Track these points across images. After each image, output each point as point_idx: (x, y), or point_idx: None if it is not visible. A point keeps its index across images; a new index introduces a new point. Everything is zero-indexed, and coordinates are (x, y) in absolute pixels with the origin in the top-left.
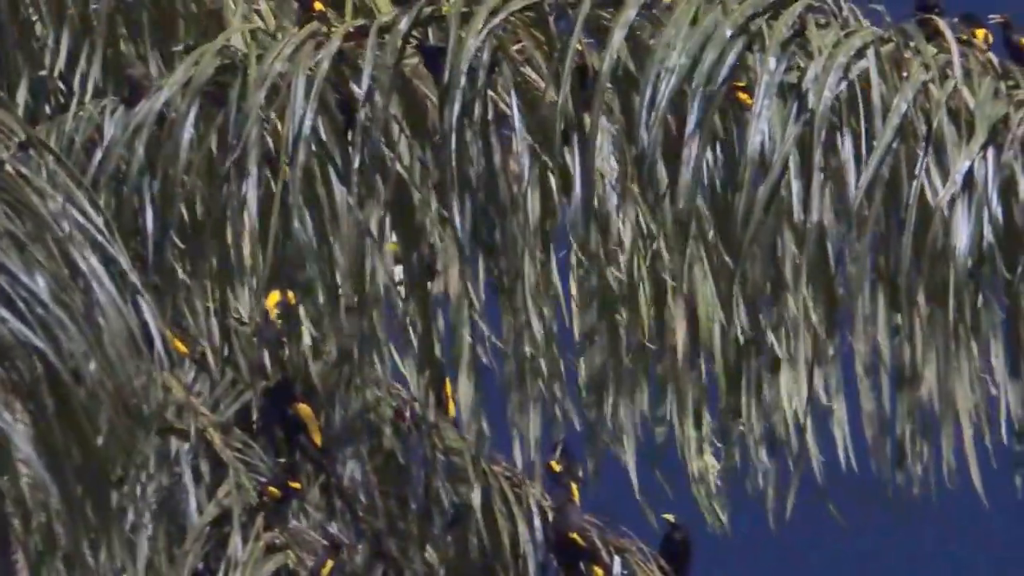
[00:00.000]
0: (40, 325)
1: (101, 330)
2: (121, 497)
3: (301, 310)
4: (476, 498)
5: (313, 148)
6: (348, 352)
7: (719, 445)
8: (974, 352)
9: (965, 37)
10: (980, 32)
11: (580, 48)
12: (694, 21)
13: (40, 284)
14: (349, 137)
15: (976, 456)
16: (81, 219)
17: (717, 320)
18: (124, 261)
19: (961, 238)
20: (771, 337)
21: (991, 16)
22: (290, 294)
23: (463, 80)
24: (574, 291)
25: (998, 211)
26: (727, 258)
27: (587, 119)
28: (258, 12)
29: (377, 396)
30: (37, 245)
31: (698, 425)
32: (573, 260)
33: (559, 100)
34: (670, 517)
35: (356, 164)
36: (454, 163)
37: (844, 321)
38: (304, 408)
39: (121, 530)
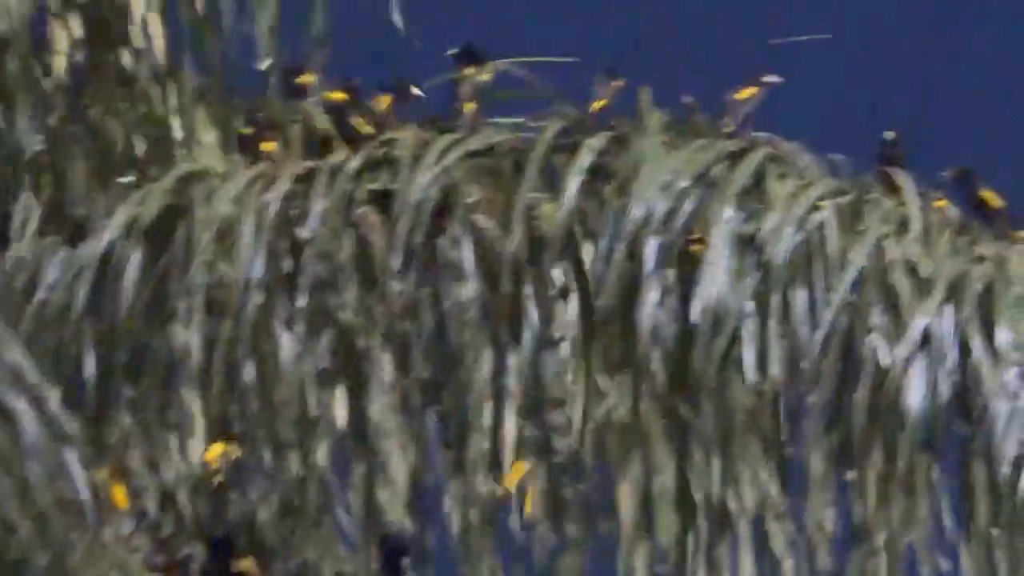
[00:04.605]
0: None
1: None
2: None
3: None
4: None
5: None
6: (291, 508)
7: None
8: (924, 512)
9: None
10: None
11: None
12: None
13: None
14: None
15: None
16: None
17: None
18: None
19: (916, 394)
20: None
21: (943, 172)
22: (232, 446)
23: (411, 214)
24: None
25: (955, 369)
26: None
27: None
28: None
29: (321, 555)
30: None
31: None
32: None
33: (510, 245)
34: None
35: (302, 309)
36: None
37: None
38: (249, 565)
39: None
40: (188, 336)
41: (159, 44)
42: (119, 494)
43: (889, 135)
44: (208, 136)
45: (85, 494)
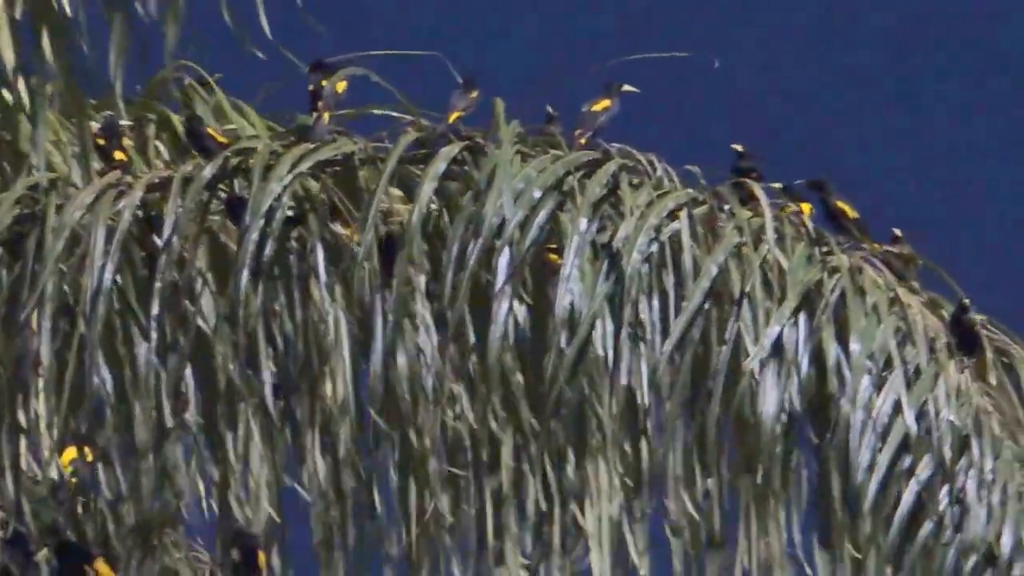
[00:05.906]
0: None
1: None
2: None
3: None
4: None
5: (114, 301)
6: (147, 514)
7: None
8: (782, 519)
9: (782, 202)
10: (805, 207)
11: (387, 205)
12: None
13: None
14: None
15: None
16: None
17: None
18: None
19: (770, 403)
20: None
21: (798, 181)
22: (87, 450)
23: (261, 222)
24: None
25: (808, 376)
26: (533, 419)
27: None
28: (56, 143)
29: (177, 559)
30: None
31: None
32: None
33: (362, 251)
34: None
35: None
36: (243, 302)
37: (653, 482)
38: (104, 568)
39: None
40: (38, 342)
41: (7, 47)
42: None
43: (739, 147)
44: (61, 142)
45: None
